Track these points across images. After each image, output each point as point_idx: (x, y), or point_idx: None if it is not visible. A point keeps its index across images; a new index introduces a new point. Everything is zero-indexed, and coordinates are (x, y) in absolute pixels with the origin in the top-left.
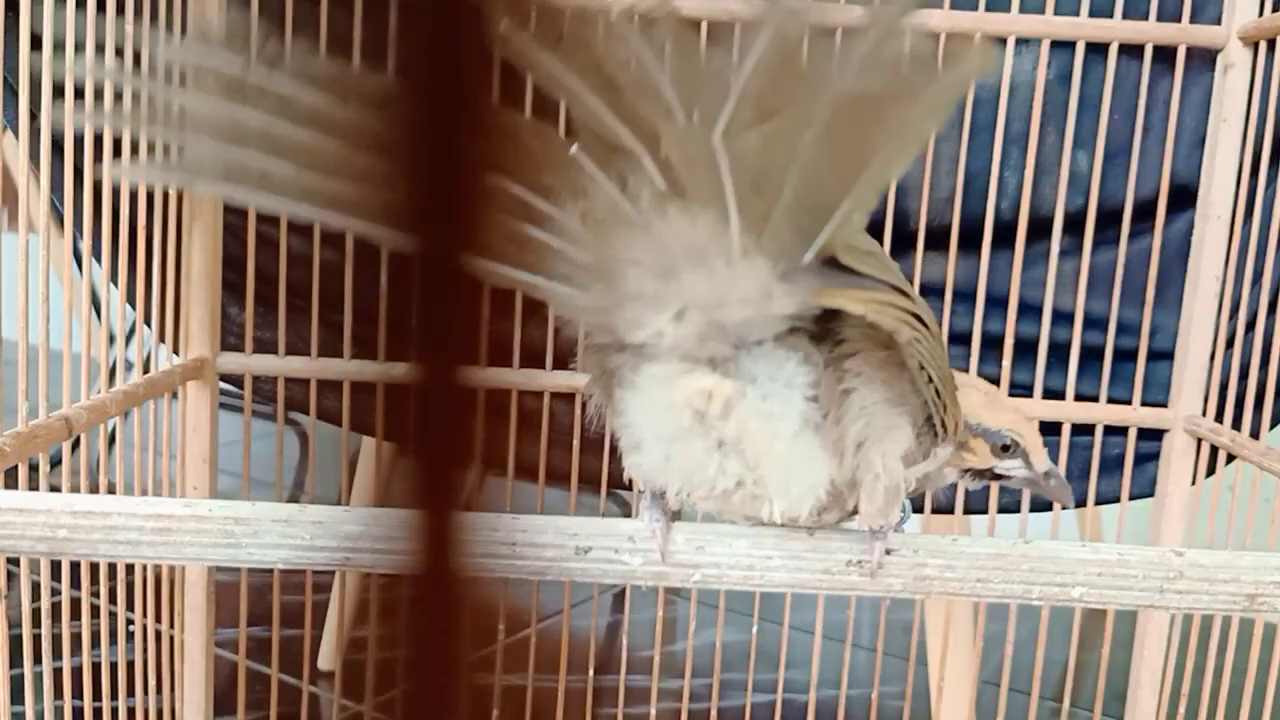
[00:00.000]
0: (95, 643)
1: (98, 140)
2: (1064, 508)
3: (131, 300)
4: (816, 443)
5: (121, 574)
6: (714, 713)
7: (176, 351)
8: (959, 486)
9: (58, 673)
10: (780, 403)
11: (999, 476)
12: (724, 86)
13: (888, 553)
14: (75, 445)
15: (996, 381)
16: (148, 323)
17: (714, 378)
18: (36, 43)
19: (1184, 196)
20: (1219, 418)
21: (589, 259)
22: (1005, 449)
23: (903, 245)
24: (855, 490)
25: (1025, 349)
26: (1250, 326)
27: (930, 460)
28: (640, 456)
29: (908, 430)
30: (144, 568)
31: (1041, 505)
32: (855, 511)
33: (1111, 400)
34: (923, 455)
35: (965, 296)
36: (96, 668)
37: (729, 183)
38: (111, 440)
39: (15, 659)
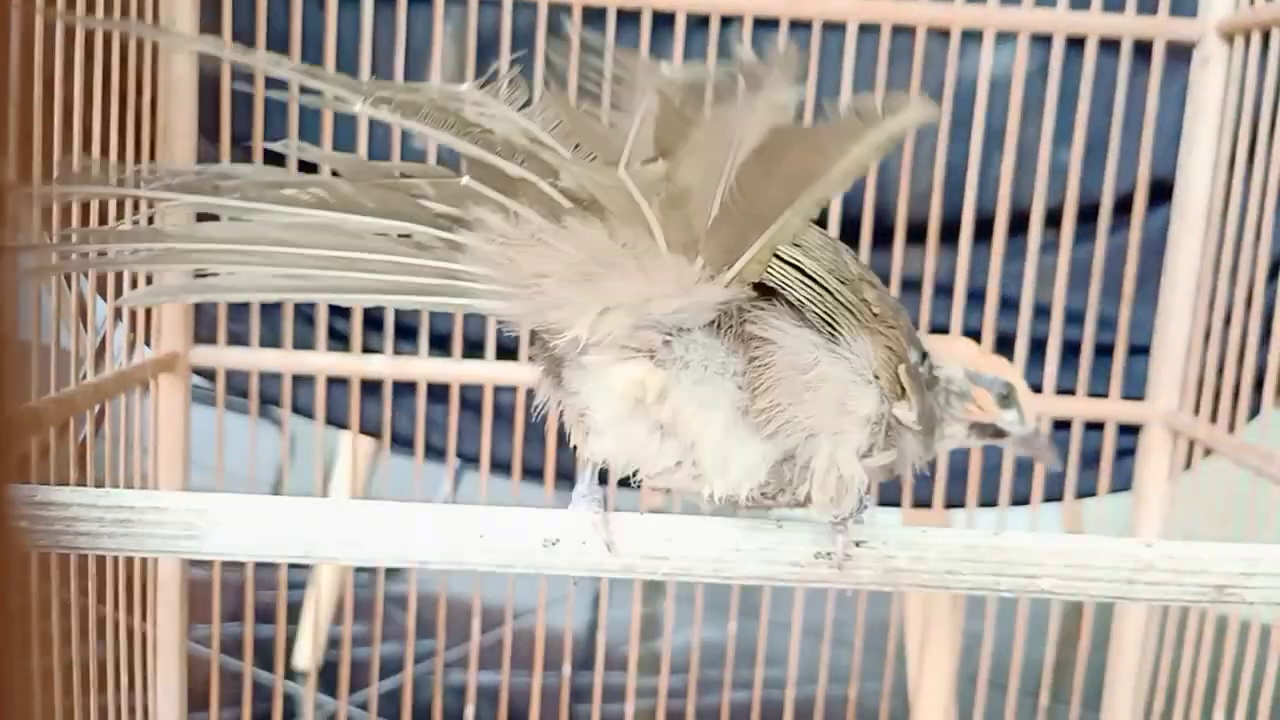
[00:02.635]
0: (66, 639)
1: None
2: (1050, 471)
3: (103, 292)
4: (749, 426)
5: (92, 568)
6: (691, 710)
7: (148, 344)
8: (936, 475)
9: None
10: (711, 388)
11: (1000, 434)
12: (618, 135)
13: (857, 544)
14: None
15: None
16: (119, 315)
17: (646, 366)
18: None
19: (1162, 191)
20: (1196, 412)
21: (502, 275)
22: (1004, 399)
23: (882, 239)
24: (806, 478)
25: (1004, 343)
26: (1227, 321)
27: (924, 439)
28: (594, 438)
29: (856, 418)
30: (115, 562)
31: (1021, 499)
32: (809, 501)
33: (1090, 394)
34: (885, 442)
35: (945, 291)
36: (68, 664)
37: (645, 205)
38: (90, 434)
39: None
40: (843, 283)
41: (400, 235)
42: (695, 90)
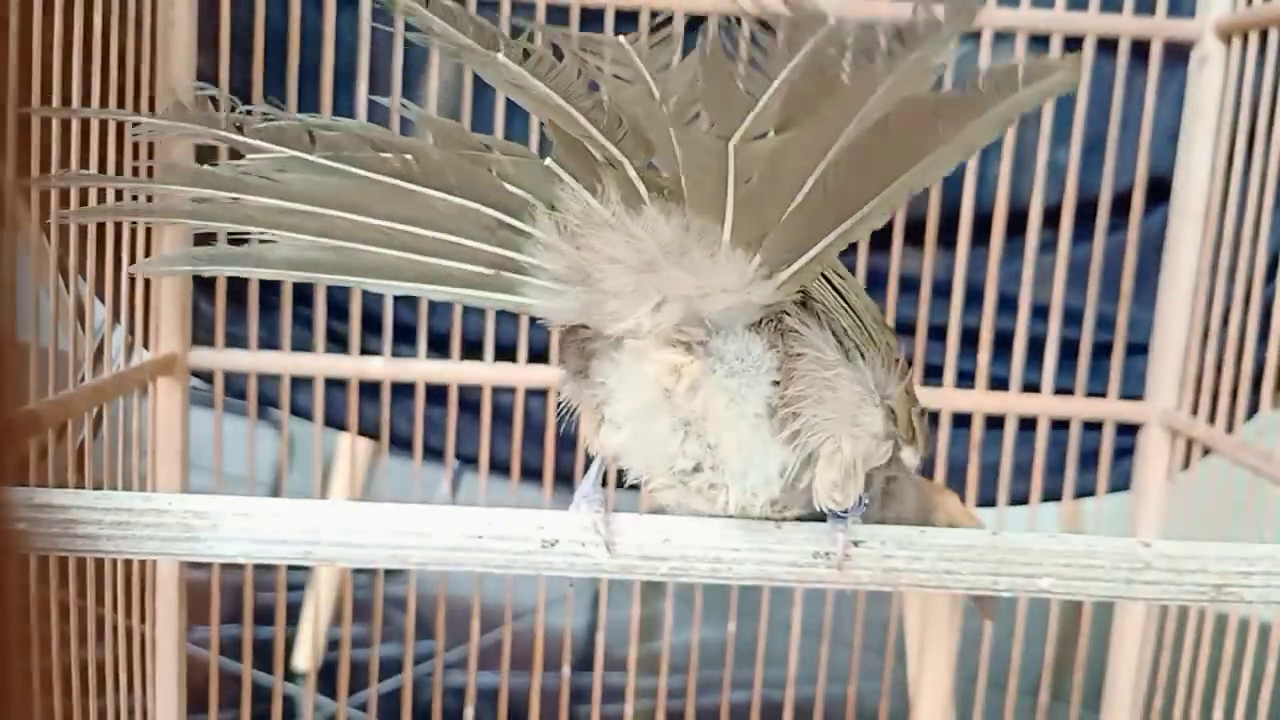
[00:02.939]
0: (65, 641)
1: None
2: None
3: (101, 294)
4: (774, 429)
5: (91, 571)
6: (691, 710)
7: (146, 347)
8: (933, 476)
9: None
10: (744, 382)
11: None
12: (746, 95)
13: (855, 544)
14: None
15: (973, 375)
16: (117, 317)
17: (684, 355)
18: None
19: (1160, 190)
20: (1194, 411)
21: (563, 266)
22: None
23: (880, 239)
24: (815, 464)
25: (1003, 343)
26: (1225, 320)
27: (894, 465)
28: (609, 431)
29: (868, 432)
30: (114, 564)
31: (1019, 499)
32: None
33: (1088, 394)
34: (884, 457)
35: (943, 290)
36: (66, 667)
37: (731, 190)
38: (89, 436)
39: None
40: (875, 322)
41: (467, 218)
42: (843, 50)
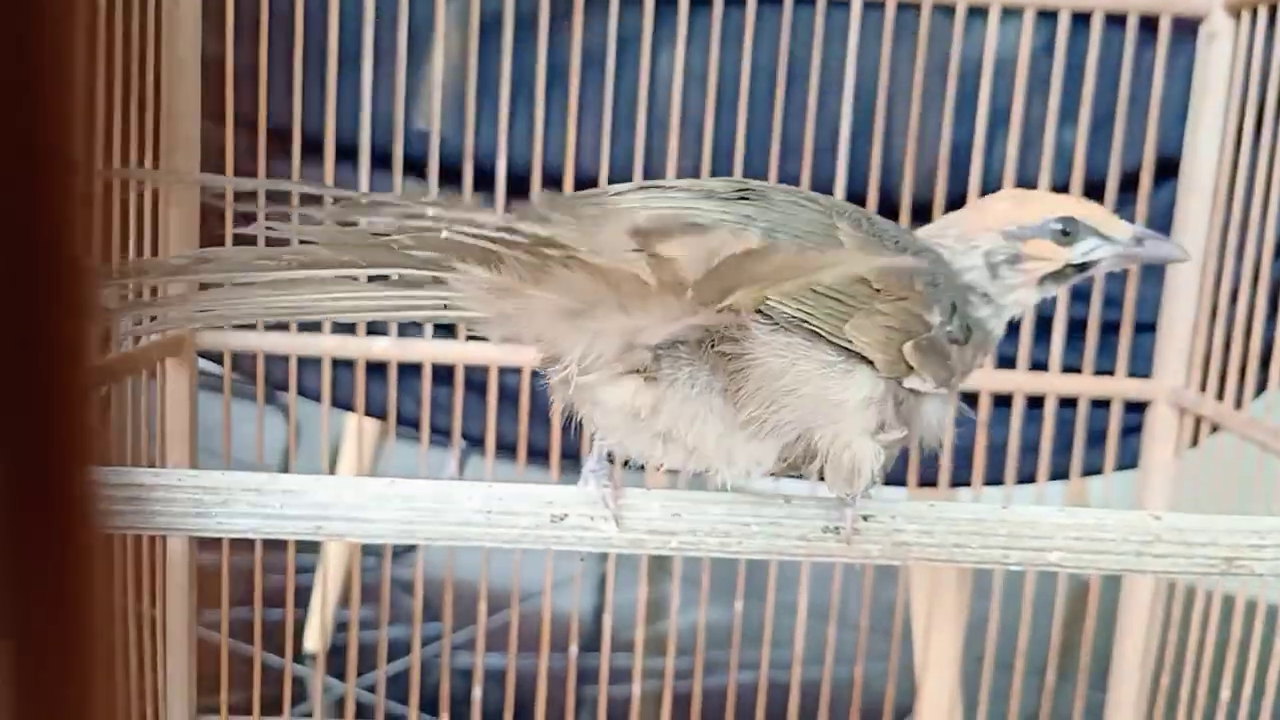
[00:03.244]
0: None
1: None
2: (1179, 262)
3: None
4: (744, 434)
5: None
6: (698, 691)
7: None
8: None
9: None
10: (700, 404)
11: (1084, 268)
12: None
13: (865, 519)
14: None
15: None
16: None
17: (636, 385)
18: None
19: (1168, 168)
20: (1202, 389)
21: (489, 314)
22: (1065, 234)
23: (888, 219)
24: (817, 459)
25: (1010, 322)
26: (1233, 298)
27: (938, 397)
28: (602, 436)
29: (852, 404)
30: (124, 546)
31: (1027, 477)
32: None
33: (1096, 372)
34: (898, 416)
35: None
36: None
37: (640, 264)
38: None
39: None
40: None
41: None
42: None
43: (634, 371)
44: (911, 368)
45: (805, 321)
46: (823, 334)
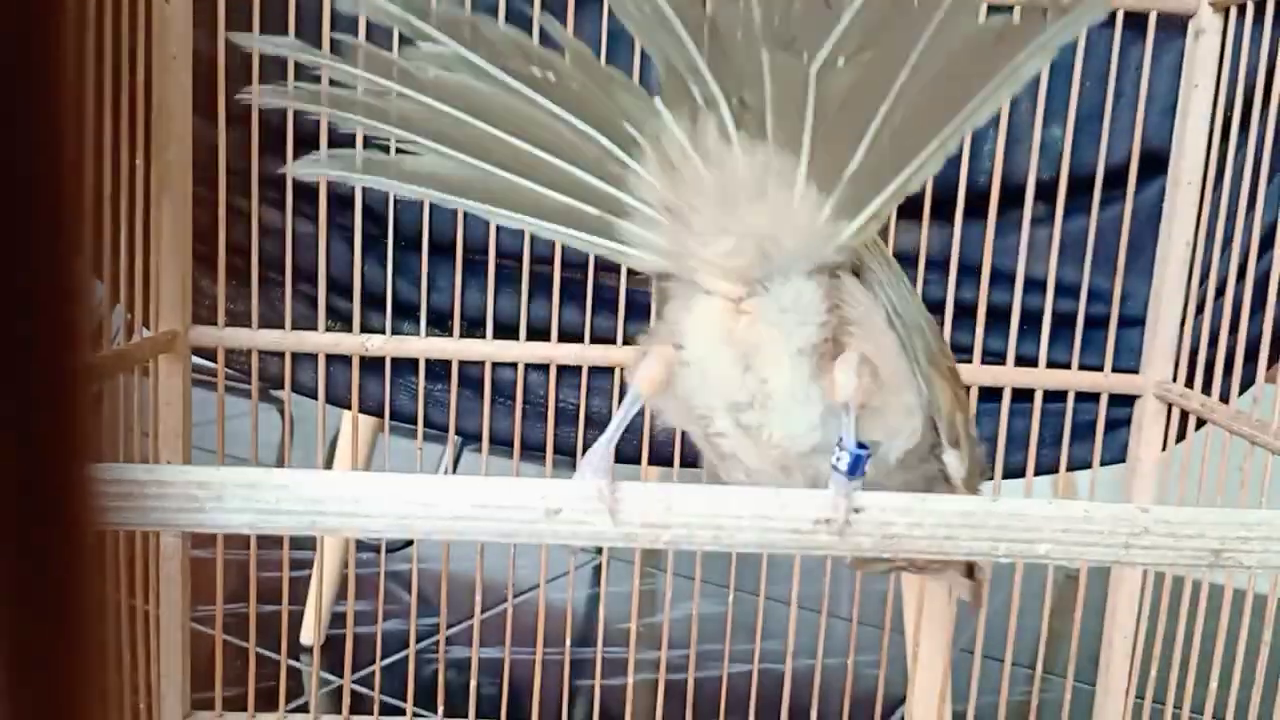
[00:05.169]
0: None
1: None
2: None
3: (99, 273)
4: (817, 372)
5: None
6: (691, 683)
7: (147, 325)
8: None
9: None
10: (797, 322)
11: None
12: (828, 20)
13: (856, 511)
14: None
15: (970, 349)
16: (116, 297)
17: (747, 291)
18: None
19: (1155, 163)
20: (1189, 383)
21: (656, 201)
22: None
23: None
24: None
25: (998, 317)
26: (1220, 292)
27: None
28: (680, 365)
29: (904, 399)
30: (117, 542)
31: (1015, 471)
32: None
33: (1083, 367)
34: (912, 435)
35: (938, 265)
36: None
37: (809, 124)
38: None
39: None
40: (934, 334)
41: (582, 147)
42: None
43: (748, 285)
44: (957, 439)
45: (908, 328)
46: (917, 359)
